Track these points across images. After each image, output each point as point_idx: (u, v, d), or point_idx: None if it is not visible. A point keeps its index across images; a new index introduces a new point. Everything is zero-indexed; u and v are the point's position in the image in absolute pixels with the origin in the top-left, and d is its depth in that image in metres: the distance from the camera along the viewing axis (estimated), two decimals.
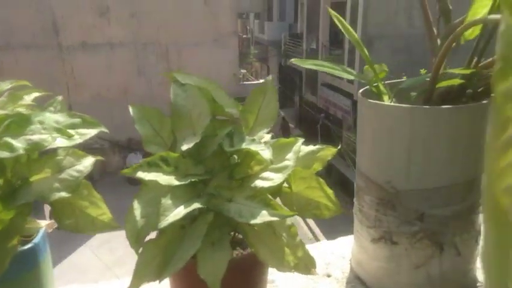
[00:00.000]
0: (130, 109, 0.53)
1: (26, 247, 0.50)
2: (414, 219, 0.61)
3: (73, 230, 0.49)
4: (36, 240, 0.51)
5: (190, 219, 0.49)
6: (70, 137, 0.48)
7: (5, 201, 0.44)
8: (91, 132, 0.51)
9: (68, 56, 7.55)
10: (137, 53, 7.45)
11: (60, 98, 0.54)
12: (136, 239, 0.46)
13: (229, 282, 0.48)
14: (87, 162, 0.48)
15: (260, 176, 0.52)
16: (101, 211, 0.51)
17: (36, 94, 0.55)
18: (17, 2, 6.81)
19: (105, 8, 7.20)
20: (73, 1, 7.12)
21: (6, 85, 0.52)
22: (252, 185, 0.51)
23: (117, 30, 7.38)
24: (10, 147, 0.44)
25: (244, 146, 0.50)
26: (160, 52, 7.62)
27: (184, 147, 0.49)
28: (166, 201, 0.46)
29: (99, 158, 0.50)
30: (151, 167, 0.48)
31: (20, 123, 0.46)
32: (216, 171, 0.51)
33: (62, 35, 7.43)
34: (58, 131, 0.47)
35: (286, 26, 12.87)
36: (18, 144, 0.45)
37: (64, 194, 0.45)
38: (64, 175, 0.47)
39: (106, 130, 0.53)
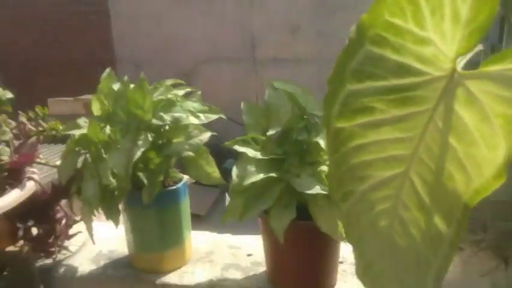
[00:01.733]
0: (242, 104, 0.73)
1: (172, 187, 0.75)
2: (478, 228, 0.64)
3: (196, 179, 0.73)
4: (179, 185, 0.76)
5: (267, 185, 0.66)
6: (197, 117, 0.72)
7: (157, 151, 0.70)
8: (213, 116, 0.74)
9: (261, 69, 8.46)
10: (320, 70, 7.85)
11: (199, 92, 0.78)
12: (232, 191, 0.66)
13: (293, 240, 0.63)
14: (206, 135, 0.71)
15: (325, 163, 0.66)
16: (213, 169, 0.73)
17: (187, 89, 0.80)
18: (224, 20, 7.99)
19: (296, 26, 7.84)
20: (269, 20, 7.97)
21: (169, 82, 0.79)
22: (317, 168, 0.65)
23: (305, 47, 7.93)
24: (162, 119, 0.70)
25: (314, 138, 0.65)
26: None
27: (269, 133, 0.67)
28: (251, 168, 0.64)
29: (214, 133, 0.72)
30: (244, 143, 0.67)
31: (169, 105, 0.71)
32: (291, 154, 0.67)
33: (257, 51, 8.39)
34: (191, 113, 0.71)
35: (489, 46, 11.51)
36: (167, 117, 0.70)
37: (191, 153, 0.69)
38: (191, 141, 0.70)
39: (223, 116, 0.74)
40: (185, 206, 0.79)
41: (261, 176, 0.63)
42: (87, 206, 0.69)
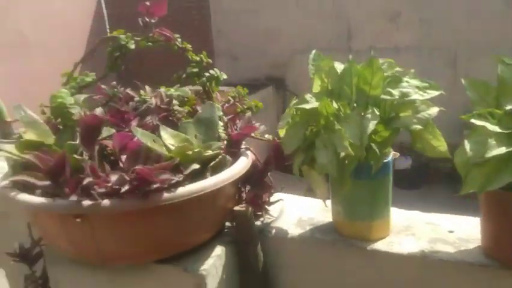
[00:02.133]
0: (463, 80, 0.75)
1: (386, 160, 0.80)
2: None
3: (421, 151, 0.76)
4: (389, 159, 0.81)
5: (509, 158, 0.66)
6: (423, 93, 0.75)
7: (385, 124, 0.74)
8: (435, 92, 0.76)
9: (356, 59, 8.25)
10: (422, 58, 7.47)
11: (412, 70, 0.81)
12: (464, 165, 0.69)
13: None
14: (434, 110, 0.74)
15: None
16: (440, 143, 0.76)
17: (396, 68, 0.83)
18: (321, 11, 7.93)
19: (396, 13, 7.51)
20: (368, 8, 7.74)
21: (381, 60, 0.83)
22: None
23: (405, 35, 7.58)
24: (390, 94, 0.74)
25: None
26: (447, 58, 7.38)
27: (508, 107, 0.68)
28: (492, 141, 0.66)
29: (442, 108, 0.75)
30: (480, 117, 0.68)
31: (395, 81, 0.75)
32: None
33: (353, 40, 8.21)
34: (418, 89, 0.75)
35: None
36: (395, 92, 0.74)
37: (418, 127, 0.73)
38: (419, 115, 0.74)
39: (443, 93, 0.77)
40: (391, 179, 0.84)
41: (503, 149, 0.65)
42: (322, 172, 0.76)
